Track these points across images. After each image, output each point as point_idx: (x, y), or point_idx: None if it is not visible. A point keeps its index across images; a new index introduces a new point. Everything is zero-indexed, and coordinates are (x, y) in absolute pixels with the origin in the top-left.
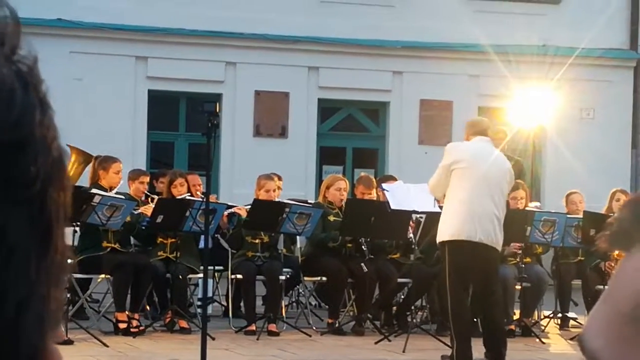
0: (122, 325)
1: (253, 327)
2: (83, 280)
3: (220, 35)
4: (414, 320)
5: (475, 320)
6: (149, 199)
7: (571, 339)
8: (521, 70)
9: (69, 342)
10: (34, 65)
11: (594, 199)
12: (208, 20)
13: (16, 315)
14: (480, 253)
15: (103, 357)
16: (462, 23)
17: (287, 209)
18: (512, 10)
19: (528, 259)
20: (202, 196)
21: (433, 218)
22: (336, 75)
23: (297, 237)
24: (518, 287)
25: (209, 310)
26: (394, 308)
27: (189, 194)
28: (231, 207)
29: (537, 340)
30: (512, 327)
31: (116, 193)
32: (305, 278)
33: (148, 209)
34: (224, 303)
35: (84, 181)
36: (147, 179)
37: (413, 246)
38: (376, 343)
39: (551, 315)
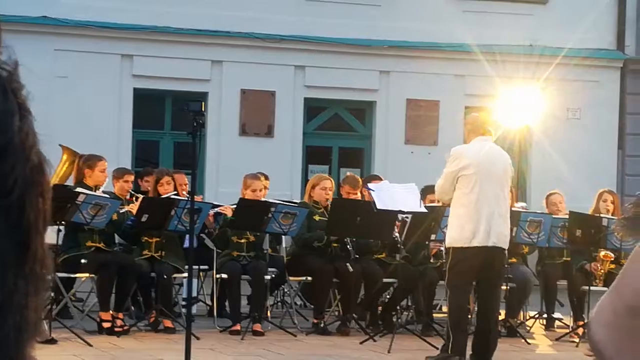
0: (106, 325)
1: (238, 327)
2: (67, 279)
3: (206, 33)
4: (399, 321)
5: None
6: (134, 198)
7: (557, 339)
8: (508, 70)
9: (53, 341)
10: (14, 71)
11: (580, 200)
12: (194, 19)
13: None
14: (490, 256)
15: (87, 357)
16: (449, 23)
17: (272, 209)
18: (499, 10)
19: (514, 259)
20: (188, 195)
21: (419, 218)
22: (322, 75)
23: (283, 236)
24: (504, 287)
25: (194, 309)
26: (380, 308)
27: (175, 193)
28: (217, 206)
29: (523, 340)
30: (498, 327)
31: (102, 192)
32: (291, 278)
33: (134, 208)
34: (209, 303)
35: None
36: (132, 177)
37: (399, 246)
38: (361, 343)
39: (537, 316)
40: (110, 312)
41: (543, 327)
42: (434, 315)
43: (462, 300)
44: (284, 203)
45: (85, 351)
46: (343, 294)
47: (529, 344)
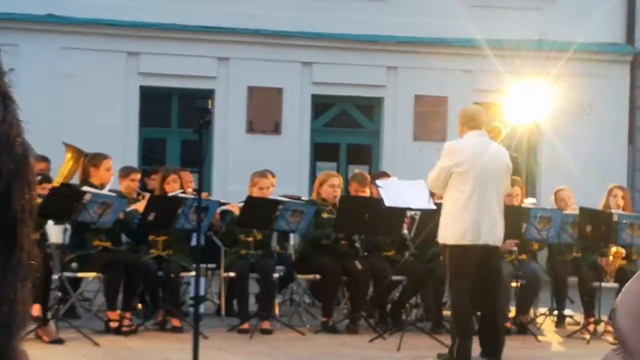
0: (114, 324)
1: (246, 326)
2: (74, 279)
3: (212, 30)
4: (409, 318)
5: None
6: (140, 196)
7: (567, 336)
8: (516, 65)
9: (60, 341)
10: None
11: (590, 195)
12: (200, 16)
13: None
14: (484, 254)
15: (94, 356)
16: (457, 18)
17: (280, 206)
18: (508, 5)
19: (524, 256)
20: (194, 193)
21: (428, 215)
22: (330, 71)
23: (291, 234)
24: (514, 284)
25: (202, 308)
26: (389, 306)
27: (182, 191)
28: (224, 204)
29: (533, 337)
30: (508, 324)
31: (109, 190)
32: (299, 276)
33: (141, 206)
34: (217, 301)
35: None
36: (138, 176)
37: (407, 243)
38: (370, 341)
39: (547, 313)
40: (118, 311)
41: (554, 324)
42: (444, 312)
43: (465, 301)
44: (292, 201)
45: (92, 351)
46: (352, 292)
47: (539, 341)
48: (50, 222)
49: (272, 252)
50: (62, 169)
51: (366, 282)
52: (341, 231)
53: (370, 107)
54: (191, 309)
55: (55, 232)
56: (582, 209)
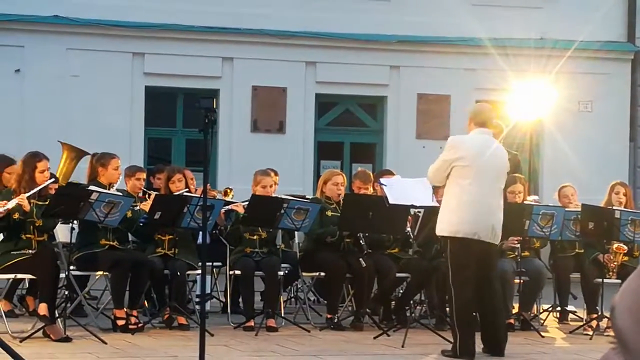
0: (121, 322)
1: (252, 323)
2: (81, 277)
3: (216, 30)
4: (413, 315)
5: (475, 314)
6: (146, 195)
7: (570, 332)
8: (519, 63)
9: (67, 339)
10: None
11: (592, 192)
12: (204, 16)
13: None
14: (482, 251)
15: (101, 354)
16: (459, 17)
17: (285, 205)
18: (509, 4)
19: (526, 253)
20: (220, 192)
21: (431, 212)
22: (333, 70)
23: (295, 232)
24: (517, 281)
25: (208, 306)
26: (393, 303)
27: (187, 190)
28: (229, 203)
29: (537, 334)
30: (512, 321)
31: (115, 190)
32: (304, 273)
33: (147, 205)
34: (223, 299)
35: (81, 178)
36: (144, 175)
37: (411, 240)
38: (375, 338)
39: (550, 309)
40: (125, 309)
41: (557, 320)
42: (448, 309)
43: (466, 297)
44: (297, 199)
45: (99, 349)
46: (356, 289)
47: (542, 337)
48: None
49: (277, 250)
50: (60, 168)
51: (370, 280)
52: (345, 229)
53: (374, 106)
54: (197, 307)
55: (62, 231)
56: (584, 206)
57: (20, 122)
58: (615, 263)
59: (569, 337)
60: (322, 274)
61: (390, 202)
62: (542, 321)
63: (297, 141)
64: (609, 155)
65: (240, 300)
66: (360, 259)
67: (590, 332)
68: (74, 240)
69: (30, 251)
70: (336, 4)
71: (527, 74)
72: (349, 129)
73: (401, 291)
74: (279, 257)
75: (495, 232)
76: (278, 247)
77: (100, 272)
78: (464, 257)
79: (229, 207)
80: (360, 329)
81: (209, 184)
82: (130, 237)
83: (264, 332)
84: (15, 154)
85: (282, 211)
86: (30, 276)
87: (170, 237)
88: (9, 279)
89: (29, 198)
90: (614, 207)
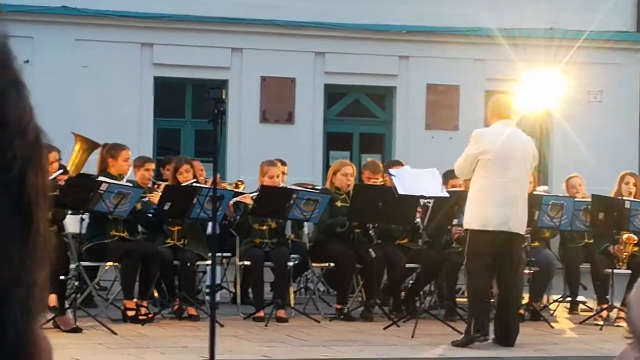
0: (131, 313)
1: (261, 314)
2: (91, 268)
3: (225, 21)
4: (423, 306)
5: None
6: (156, 186)
7: (580, 322)
8: (528, 53)
9: (78, 330)
10: (5, 45)
11: (602, 182)
12: (213, 6)
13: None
14: (505, 241)
15: (112, 345)
16: (469, 7)
17: (294, 195)
18: None
19: (536, 243)
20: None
21: (440, 203)
22: (342, 61)
23: (305, 223)
24: (527, 271)
25: (218, 297)
26: (403, 293)
27: (195, 181)
28: (238, 194)
29: (547, 324)
30: (522, 311)
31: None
32: (313, 264)
33: (157, 196)
34: (232, 290)
35: (92, 169)
36: (153, 166)
37: (420, 231)
38: (385, 328)
39: (560, 300)
40: (135, 300)
41: (567, 310)
42: (457, 299)
43: (481, 284)
44: (306, 190)
45: (110, 339)
46: (366, 280)
47: (552, 327)
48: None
49: (286, 241)
50: (72, 159)
51: (380, 270)
52: (355, 220)
53: (383, 96)
54: (207, 297)
55: (72, 222)
56: (594, 196)
57: None
58: (626, 253)
59: (579, 327)
60: (332, 264)
61: (400, 192)
62: (552, 312)
63: (306, 132)
64: (619, 146)
65: (250, 290)
66: (370, 250)
67: (601, 323)
68: (83, 231)
69: None
70: None
71: (537, 64)
72: (358, 120)
73: (411, 282)
74: (289, 248)
75: (522, 222)
76: (287, 237)
77: (110, 263)
78: (484, 249)
79: (237, 199)
80: (370, 319)
81: (219, 176)
82: (140, 228)
83: (274, 323)
84: None
85: (292, 202)
86: None
87: (180, 227)
88: None
89: None
90: (624, 198)
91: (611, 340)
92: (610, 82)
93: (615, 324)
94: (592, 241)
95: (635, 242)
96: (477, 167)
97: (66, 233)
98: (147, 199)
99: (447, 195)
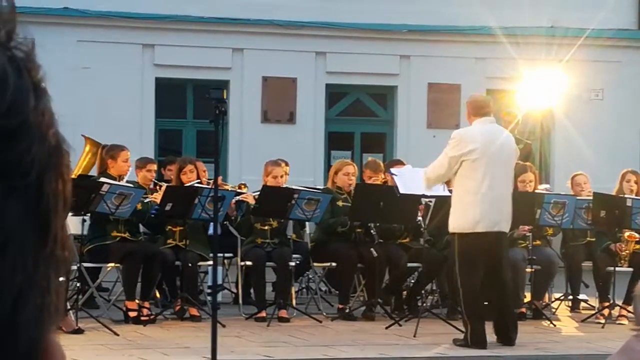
0: (133, 314)
1: (263, 314)
2: (92, 269)
3: (226, 21)
4: (425, 305)
5: (486, 303)
6: (157, 187)
7: (582, 321)
8: (529, 52)
9: (80, 331)
10: (31, 51)
11: (604, 181)
12: (214, 7)
13: (13, 309)
14: (493, 241)
15: (114, 346)
16: (470, 5)
17: (295, 195)
18: None
19: (538, 242)
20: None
21: (442, 202)
22: (343, 60)
23: (306, 222)
24: (528, 269)
25: (219, 297)
26: (405, 293)
27: (199, 181)
28: (239, 194)
29: (549, 322)
30: (523, 310)
31: (126, 182)
32: (315, 264)
33: (158, 197)
34: (234, 290)
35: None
36: (155, 166)
37: (422, 230)
38: (387, 328)
39: (562, 298)
40: (136, 301)
41: (569, 309)
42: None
43: (474, 287)
44: (307, 189)
45: (112, 340)
46: (368, 279)
47: (554, 325)
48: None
49: (288, 241)
50: (80, 161)
51: (382, 269)
52: (356, 219)
53: (384, 96)
54: (209, 298)
55: (74, 223)
56: (595, 194)
57: None
58: (627, 251)
59: (581, 325)
60: (334, 264)
61: (401, 191)
62: (553, 310)
63: (307, 131)
64: (620, 144)
65: (252, 291)
66: (372, 249)
67: (602, 321)
68: (85, 232)
69: None
70: None
71: (538, 63)
72: (360, 119)
73: (412, 281)
74: (290, 248)
75: (509, 220)
76: (289, 237)
77: (112, 264)
78: (474, 252)
79: (240, 197)
80: (372, 319)
81: (221, 178)
82: (142, 229)
83: (276, 323)
84: None
85: (293, 202)
86: None
87: (181, 228)
88: None
89: None
90: (626, 196)
91: (613, 338)
92: (611, 80)
93: (617, 322)
94: (593, 239)
95: (637, 239)
96: (461, 168)
97: (68, 234)
98: (149, 199)
99: (448, 194)
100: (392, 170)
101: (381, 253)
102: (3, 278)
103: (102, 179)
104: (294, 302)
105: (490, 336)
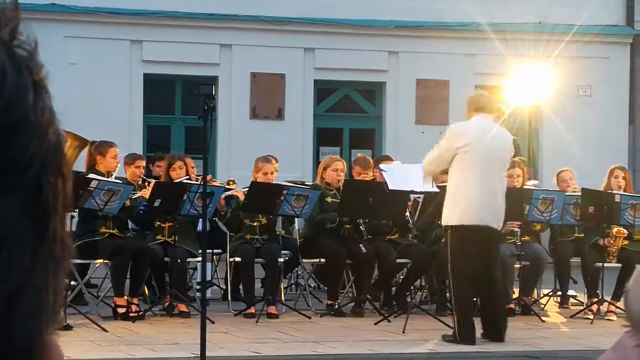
0: (121, 310)
1: (252, 310)
2: (81, 266)
3: (215, 17)
4: (414, 301)
5: (475, 300)
6: (146, 183)
7: (571, 316)
8: (518, 48)
9: (68, 327)
10: (33, 50)
11: (592, 176)
12: (202, 3)
13: (9, 307)
14: (485, 236)
15: (102, 342)
16: (458, 2)
17: (284, 191)
18: None
19: (526, 237)
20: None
21: (431, 198)
22: (332, 56)
23: (295, 219)
24: (517, 265)
25: (208, 293)
26: (393, 289)
27: (188, 177)
28: (229, 189)
29: (537, 318)
30: (512, 305)
31: (114, 178)
32: (304, 260)
33: (147, 193)
34: (223, 286)
35: (80, 166)
36: (143, 163)
37: (410, 225)
38: (376, 324)
39: (550, 294)
40: (125, 297)
41: (557, 304)
42: (448, 294)
43: (466, 283)
44: (296, 185)
45: (100, 337)
46: (357, 275)
47: (543, 321)
48: None
49: (277, 237)
50: None
51: (371, 265)
52: (345, 215)
53: (373, 92)
54: (198, 294)
55: None
56: (584, 190)
57: None
58: (616, 247)
59: (569, 321)
60: (323, 260)
61: (390, 187)
62: (542, 306)
63: (296, 128)
64: (608, 140)
65: (241, 287)
66: (361, 245)
67: (591, 317)
68: (73, 229)
69: None
70: None
71: (526, 59)
72: (348, 115)
73: (401, 277)
74: (279, 244)
75: (500, 217)
76: (278, 233)
77: (100, 260)
78: (466, 245)
79: (230, 192)
80: (361, 315)
81: (210, 175)
82: (130, 225)
83: (265, 319)
84: None
85: (282, 198)
86: None
87: (170, 224)
88: None
89: None
90: (614, 191)
91: (602, 333)
92: (599, 76)
93: (606, 318)
94: (582, 235)
95: (625, 235)
96: (454, 161)
97: None
98: (137, 195)
99: (436, 190)
100: (381, 166)
101: (370, 249)
102: None
103: (91, 175)
104: (283, 298)
105: (479, 332)
